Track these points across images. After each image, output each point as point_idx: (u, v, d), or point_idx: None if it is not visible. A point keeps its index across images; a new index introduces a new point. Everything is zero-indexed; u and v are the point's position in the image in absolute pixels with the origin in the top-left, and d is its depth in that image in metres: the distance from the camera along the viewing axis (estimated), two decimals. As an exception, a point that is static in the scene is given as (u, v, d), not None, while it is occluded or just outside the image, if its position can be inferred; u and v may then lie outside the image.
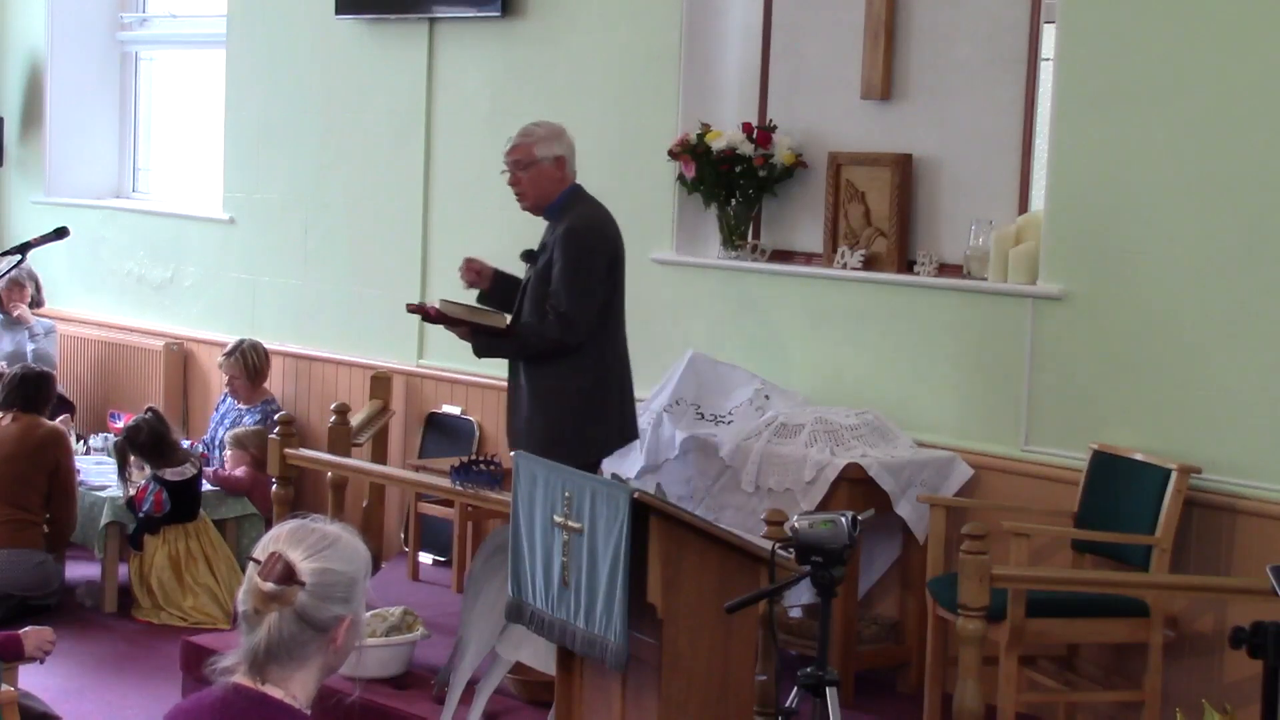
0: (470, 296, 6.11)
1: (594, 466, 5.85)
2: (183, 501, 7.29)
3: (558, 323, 5.74)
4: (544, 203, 5.93)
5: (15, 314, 9.12)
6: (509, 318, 5.89)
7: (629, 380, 6.02)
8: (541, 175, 5.89)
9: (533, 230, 6.10)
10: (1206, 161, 5.60)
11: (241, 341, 8.36)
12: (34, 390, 7.40)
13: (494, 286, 6.07)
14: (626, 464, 6.41)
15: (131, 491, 7.34)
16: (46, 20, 9.88)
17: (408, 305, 6.05)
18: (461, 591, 6.58)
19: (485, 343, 5.89)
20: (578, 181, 5.97)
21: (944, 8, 6.46)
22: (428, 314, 5.92)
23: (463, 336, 5.92)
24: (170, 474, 7.27)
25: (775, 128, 6.85)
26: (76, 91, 9.93)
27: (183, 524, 7.28)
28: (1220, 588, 5.44)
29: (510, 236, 6.67)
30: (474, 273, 6.07)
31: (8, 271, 8.54)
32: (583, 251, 5.77)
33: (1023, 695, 5.35)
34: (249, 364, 8.26)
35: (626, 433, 6.02)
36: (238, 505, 7.61)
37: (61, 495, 7.30)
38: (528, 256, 5.95)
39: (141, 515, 7.27)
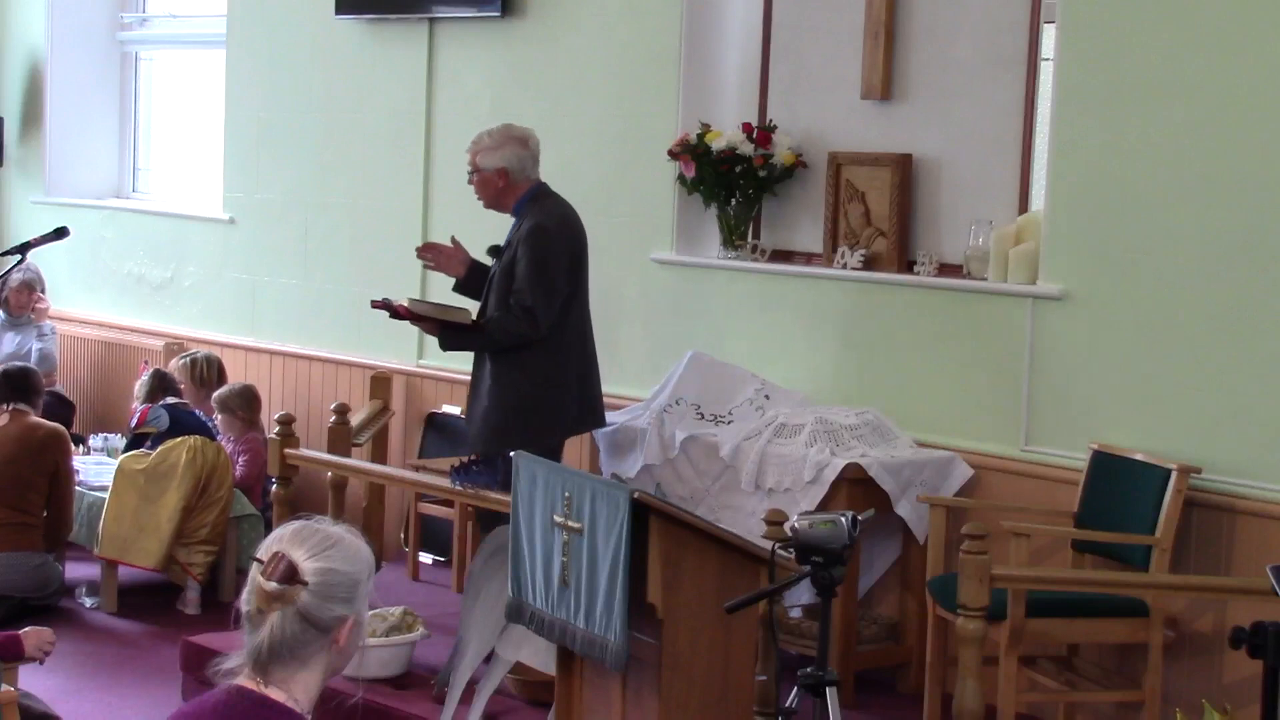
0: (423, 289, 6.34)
1: (555, 450, 6.07)
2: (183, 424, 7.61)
3: (522, 316, 6.00)
4: (494, 205, 6.25)
5: (38, 308, 9.16)
6: (474, 313, 6.16)
7: (591, 367, 6.26)
8: (485, 182, 6.21)
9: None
10: (1206, 161, 5.60)
11: (197, 352, 8.34)
12: (19, 383, 7.40)
13: (469, 276, 6.35)
14: (626, 464, 6.42)
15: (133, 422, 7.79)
16: (46, 20, 9.89)
17: (372, 301, 6.24)
18: (461, 591, 6.59)
19: (453, 337, 6.20)
20: (541, 180, 6.22)
21: (944, 8, 6.47)
22: (395, 311, 6.16)
23: (429, 331, 6.27)
24: (169, 398, 7.77)
25: (775, 128, 6.85)
26: (76, 91, 9.93)
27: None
28: (1220, 588, 5.44)
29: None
30: (440, 256, 6.37)
31: (9, 270, 8.55)
32: (546, 248, 6.05)
33: (1023, 695, 5.36)
34: (196, 373, 8.18)
35: (586, 417, 6.29)
36: (238, 505, 7.60)
37: (60, 497, 7.28)
38: (494, 252, 6.21)
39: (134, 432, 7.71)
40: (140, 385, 8.08)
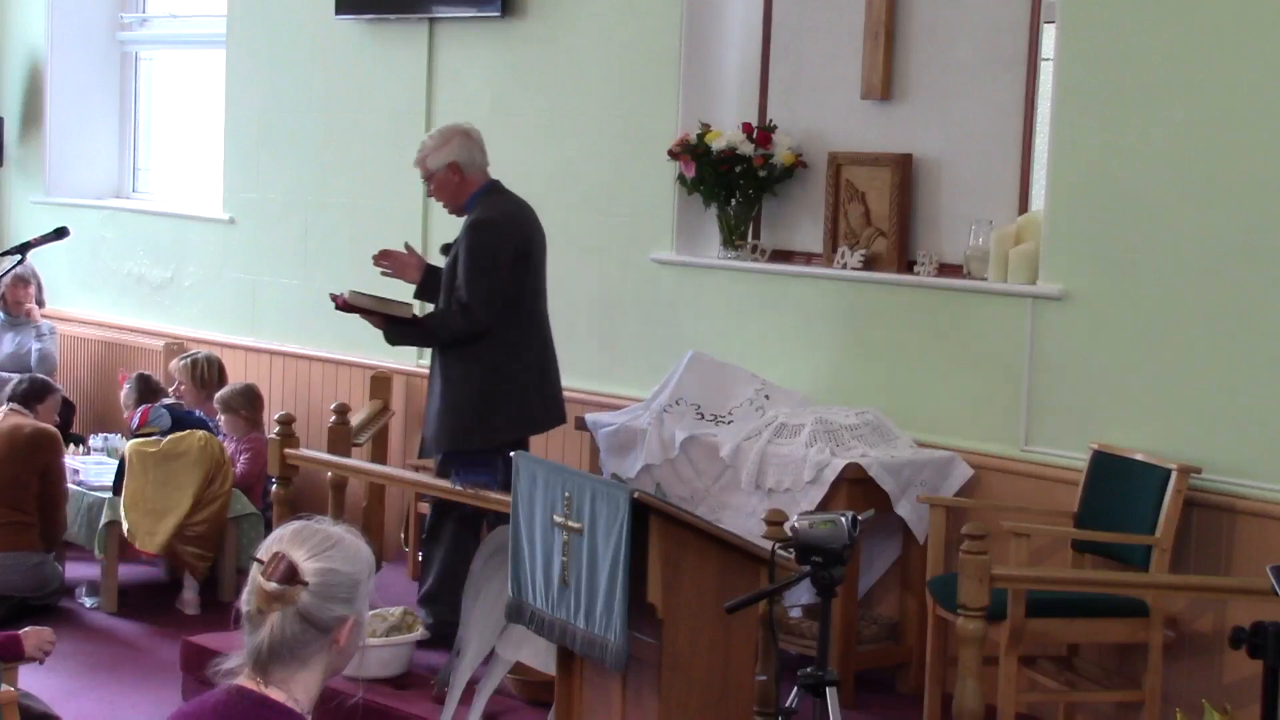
0: (384, 287, 6.42)
1: (517, 445, 5.97)
2: (186, 423, 7.62)
3: (460, 312, 6.01)
4: (457, 206, 6.25)
5: (26, 309, 9.15)
6: (416, 307, 6.23)
7: (548, 363, 6.24)
8: (443, 184, 6.22)
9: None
10: (1206, 161, 5.60)
11: (197, 353, 8.34)
12: (29, 385, 7.43)
13: (425, 280, 6.38)
14: (626, 464, 6.42)
15: (133, 425, 7.75)
16: (46, 20, 9.89)
17: (331, 295, 6.26)
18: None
19: (396, 331, 6.24)
20: (494, 178, 6.23)
21: (944, 8, 6.47)
22: (337, 304, 6.18)
23: (375, 325, 6.24)
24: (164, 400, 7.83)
25: (775, 128, 6.85)
26: (76, 91, 9.93)
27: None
28: (1220, 588, 5.44)
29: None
30: (396, 262, 6.38)
31: (9, 270, 8.54)
32: (484, 244, 6.05)
33: (1023, 695, 5.36)
34: (197, 374, 8.18)
35: (542, 416, 6.24)
36: (238, 504, 7.59)
37: (52, 496, 7.25)
38: (445, 249, 6.23)
39: (135, 434, 7.64)
40: (126, 394, 8.07)
